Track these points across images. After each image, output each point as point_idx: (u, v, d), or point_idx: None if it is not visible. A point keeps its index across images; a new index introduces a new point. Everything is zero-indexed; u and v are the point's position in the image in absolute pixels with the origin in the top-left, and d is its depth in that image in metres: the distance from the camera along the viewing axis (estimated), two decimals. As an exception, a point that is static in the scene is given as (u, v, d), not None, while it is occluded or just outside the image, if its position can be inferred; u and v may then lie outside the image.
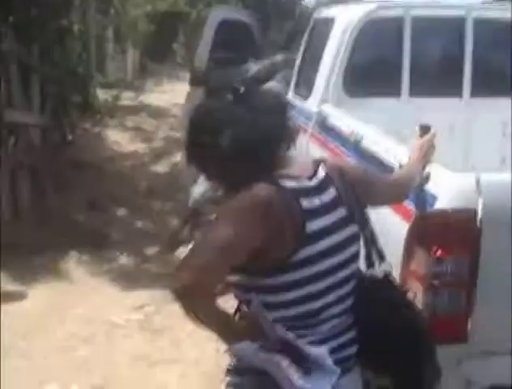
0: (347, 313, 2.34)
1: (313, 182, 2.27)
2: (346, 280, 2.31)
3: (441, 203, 2.99)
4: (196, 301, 2.11)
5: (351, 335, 2.36)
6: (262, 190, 2.13)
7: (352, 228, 2.32)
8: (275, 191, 2.14)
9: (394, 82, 5.43)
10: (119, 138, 12.58)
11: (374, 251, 2.49)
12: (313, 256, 2.18)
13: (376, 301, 2.39)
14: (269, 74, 6.53)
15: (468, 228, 2.97)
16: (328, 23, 5.80)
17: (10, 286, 6.06)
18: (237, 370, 2.33)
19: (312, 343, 2.19)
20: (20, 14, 7.25)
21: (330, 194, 2.28)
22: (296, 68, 6.42)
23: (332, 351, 2.22)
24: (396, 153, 3.56)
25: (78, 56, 12.70)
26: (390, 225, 3.39)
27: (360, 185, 2.41)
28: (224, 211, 2.18)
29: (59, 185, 7.76)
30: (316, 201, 2.22)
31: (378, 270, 2.46)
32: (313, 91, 5.57)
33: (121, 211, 8.09)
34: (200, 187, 5.87)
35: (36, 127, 7.37)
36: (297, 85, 6.28)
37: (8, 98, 6.94)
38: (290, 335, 2.16)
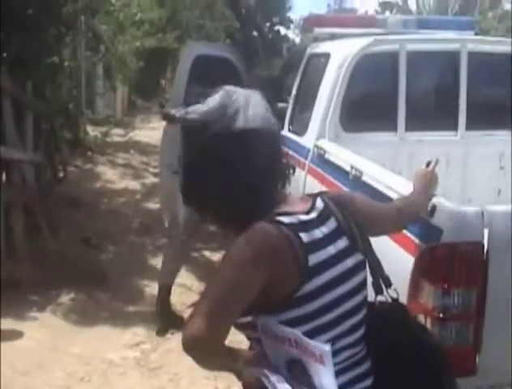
0: (362, 342, 2.31)
1: (312, 215, 2.27)
2: (357, 309, 2.28)
3: (448, 236, 3.01)
4: (207, 352, 2.11)
5: (366, 366, 2.32)
6: (262, 230, 2.13)
7: (357, 257, 2.31)
8: (275, 229, 2.14)
9: (390, 116, 5.48)
10: (110, 175, 12.60)
11: (380, 278, 2.44)
12: (320, 288, 2.17)
13: (390, 324, 2.39)
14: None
15: (475, 260, 3.00)
16: (323, 58, 5.85)
17: (5, 324, 6.01)
18: None
19: (325, 375, 2.11)
20: (14, 51, 7.27)
21: (330, 224, 2.28)
22: (290, 103, 6.47)
23: (349, 383, 2.21)
24: (397, 188, 3.58)
25: (69, 93, 12.79)
26: (394, 258, 3.41)
27: (361, 214, 2.41)
28: (229, 258, 2.14)
29: (53, 223, 7.75)
30: (317, 233, 2.22)
31: (387, 296, 2.42)
32: (310, 126, 5.60)
33: (116, 248, 8.08)
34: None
35: (29, 164, 7.37)
36: (292, 120, 6.32)
37: (2, 135, 6.93)
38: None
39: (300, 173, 5.50)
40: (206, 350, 2.10)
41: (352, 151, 4.68)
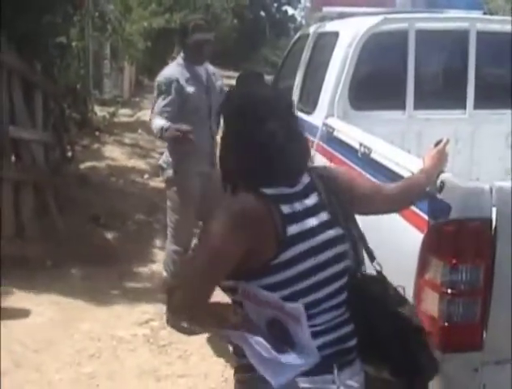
0: (343, 307, 2.48)
1: (296, 189, 2.43)
2: (336, 277, 2.45)
3: (456, 213, 3.03)
4: (193, 317, 2.42)
5: (349, 328, 2.50)
6: (242, 201, 2.34)
7: (337, 231, 2.46)
8: (256, 200, 2.32)
9: (399, 95, 5.51)
10: (117, 155, 12.61)
11: (365, 252, 2.63)
12: (297, 257, 2.34)
13: (370, 297, 2.52)
14: None
15: (483, 236, 3.02)
16: (332, 37, 5.86)
17: (14, 302, 6.07)
18: (244, 367, 2.46)
19: (314, 332, 2.37)
20: (22, 31, 7.28)
21: (313, 198, 2.45)
22: (298, 82, 6.49)
23: (334, 342, 2.42)
24: (406, 165, 3.60)
25: (77, 73, 12.79)
26: (403, 234, 3.45)
27: (345, 191, 2.55)
28: (210, 227, 2.32)
29: (61, 202, 7.79)
30: (298, 205, 2.39)
31: (370, 268, 2.61)
32: (318, 105, 5.63)
33: (125, 227, 8.13)
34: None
35: (38, 143, 7.40)
36: (301, 99, 6.34)
37: (12, 114, 6.96)
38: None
39: (308, 151, 5.52)
40: (193, 315, 2.37)
41: (361, 129, 4.70)
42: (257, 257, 2.31)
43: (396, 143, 4.45)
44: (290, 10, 58.46)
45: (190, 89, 5.47)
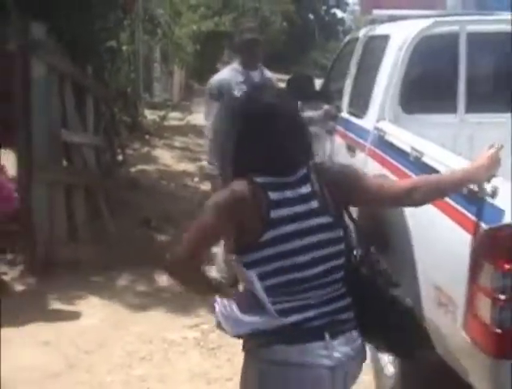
0: (336, 284, 2.76)
1: (291, 179, 2.72)
2: (324, 259, 2.71)
3: (509, 217, 3.01)
4: (184, 274, 2.74)
5: (343, 303, 2.78)
6: (237, 187, 2.68)
7: (325, 219, 2.72)
8: (246, 186, 2.66)
9: (450, 98, 5.45)
10: (167, 158, 12.71)
11: (358, 239, 2.91)
12: (279, 237, 2.65)
13: (360, 279, 2.83)
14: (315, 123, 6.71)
15: (537, 241, 3.00)
16: (382, 40, 5.84)
17: (67, 305, 6.16)
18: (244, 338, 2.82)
19: (305, 305, 2.68)
20: (74, 36, 7.39)
21: (305, 188, 2.72)
22: (348, 86, 6.48)
23: (324, 315, 2.69)
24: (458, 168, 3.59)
25: (127, 77, 12.90)
26: (451, 236, 3.45)
27: (343, 185, 2.79)
28: (209, 205, 2.70)
29: (113, 205, 7.87)
30: (288, 193, 2.69)
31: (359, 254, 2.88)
32: (369, 108, 5.61)
33: (175, 230, 8.18)
34: None
35: (90, 147, 7.49)
36: (351, 103, 6.33)
37: (63, 118, 7.06)
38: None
39: (360, 155, 5.52)
40: (183, 273, 2.73)
41: (412, 132, 4.69)
42: (246, 234, 2.65)
43: (447, 146, 4.42)
44: (339, 13, 58.40)
45: (240, 93, 5.52)
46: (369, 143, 5.35)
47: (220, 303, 2.75)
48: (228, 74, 5.91)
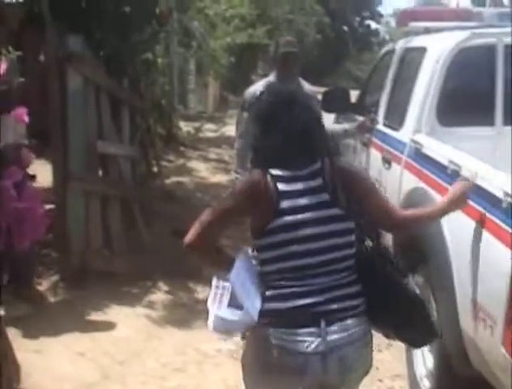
0: (343, 273, 2.95)
1: (304, 172, 2.95)
2: (331, 249, 2.92)
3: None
4: (200, 253, 3.08)
5: (355, 289, 2.98)
6: (254, 177, 2.96)
7: (334, 211, 2.93)
8: (260, 177, 2.92)
9: (488, 110, 5.39)
10: (202, 170, 12.73)
11: (369, 232, 3.12)
12: (287, 225, 2.89)
13: (372, 269, 3.02)
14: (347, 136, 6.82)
15: None
16: (419, 52, 5.81)
17: (101, 315, 6.17)
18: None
19: (302, 292, 2.88)
20: (110, 49, 7.43)
21: (317, 181, 2.94)
22: (385, 98, 6.45)
23: (339, 298, 2.91)
24: (496, 183, 3.55)
25: (162, 88, 12.96)
26: (491, 251, 3.40)
27: (355, 189, 3.00)
28: (230, 191, 3.01)
29: (148, 215, 7.89)
30: (299, 185, 2.92)
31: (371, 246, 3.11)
32: (406, 121, 5.57)
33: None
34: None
35: (125, 158, 7.51)
36: (388, 115, 6.29)
37: (100, 130, 7.09)
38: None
39: (396, 168, 5.48)
40: (199, 251, 3.06)
41: (449, 145, 4.64)
42: (256, 221, 2.93)
43: (485, 159, 4.37)
44: (373, 25, 58.29)
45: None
46: (405, 155, 5.31)
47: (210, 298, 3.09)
48: (262, 86, 5.97)
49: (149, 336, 5.82)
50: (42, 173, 7.03)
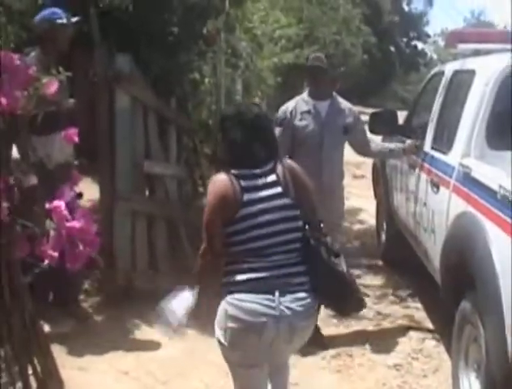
0: (292, 253, 3.64)
1: (259, 171, 3.68)
2: (283, 232, 3.64)
3: None
4: (205, 263, 3.72)
5: (298, 269, 3.65)
6: (217, 178, 3.67)
7: (286, 201, 3.68)
8: (226, 177, 3.63)
9: (538, 134, 5.32)
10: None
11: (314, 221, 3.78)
12: (250, 214, 3.60)
13: (312, 251, 3.67)
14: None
15: None
16: (468, 74, 5.76)
17: (146, 335, 6.18)
18: None
19: (262, 267, 3.57)
20: (158, 69, 7.47)
21: (271, 178, 3.68)
22: (433, 121, 6.40)
23: (277, 276, 3.57)
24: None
25: (209, 108, 12.96)
26: None
27: (298, 185, 3.75)
28: (208, 192, 3.70)
29: (193, 236, 7.89)
30: (257, 181, 3.65)
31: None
32: (455, 144, 5.52)
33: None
34: None
35: (172, 178, 7.54)
36: (436, 138, 6.25)
37: (147, 149, 7.13)
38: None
39: (444, 192, 5.42)
40: (210, 259, 3.68)
41: (499, 169, 4.58)
42: (226, 212, 3.59)
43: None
44: (419, 45, 58.09)
45: (300, 123, 5.97)
46: (453, 179, 5.25)
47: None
48: (295, 103, 6.12)
49: (193, 356, 5.82)
50: (87, 191, 7.07)
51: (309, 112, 6.03)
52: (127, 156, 6.93)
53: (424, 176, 6.22)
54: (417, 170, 6.52)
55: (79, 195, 5.53)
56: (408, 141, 6.75)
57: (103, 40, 6.61)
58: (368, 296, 7.58)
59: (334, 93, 6.19)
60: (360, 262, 8.91)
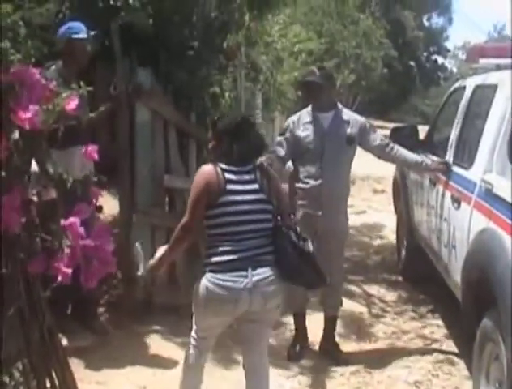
0: (263, 238, 4.32)
1: (242, 168, 4.35)
2: (257, 221, 4.32)
3: None
4: (189, 232, 4.53)
5: (267, 250, 4.33)
6: (204, 168, 4.35)
7: (261, 196, 4.35)
8: (212, 168, 4.31)
9: (562, 150, 5.27)
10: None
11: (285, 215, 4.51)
12: (229, 201, 4.26)
13: (281, 236, 4.37)
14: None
15: None
16: (490, 89, 5.73)
17: (163, 351, 6.16)
18: None
19: (237, 250, 4.24)
20: (178, 83, 7.49)
21: (249, 175, 4.37)
22: (454, 136, 6.37)
23: (249, 257, 4.25)
24: None
25: (229, 123, 12.97)
26: None
27: (272, 187, 4.44)
28: (195, 179, 4.37)
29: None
30: (238, 176, 4.31)
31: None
32: (476, 160, 5.49)
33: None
34: None
35: (192, 192, 7.53)
36: (457, 153, 6.22)
37: (167, 163, 7.14)
38: None
39: (465, 208, 5.39)
40: (187, 236, 4.55)
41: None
42: (210, 198, 4.26)
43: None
44: (440, 59, 58.05)
45: (302, 133, 6.16)
46: (475, 195, 5.22)
47: None
48: (299, 115, 6.31)
49: (210, 374, 5.77)
50: (107, 205, 7.08)
51: (310, 122, 6.17)
52: (147, 170, 6.93)
53: (445, 191, 6.18)
54: (438, 185, 6.48)
55: (99, 208, 5.54)
56: (434, 158, 6.73)
57: (124, 54, 6.63)
58: (387, 312, 7.56)
59: (338, 105, 6.25)
60: (380, 278, 8.90)
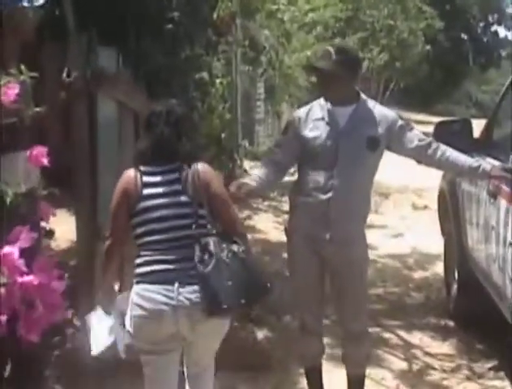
0: (187, 249, 4.64)
1: (163, 168, 4.77)
2: (179, 228, 4.71)
3: None
4: (114, 247, 4.91)
5: (192, 263, 4.60)
6: (127, 172, 4.82)
7: (183, 198, 4.73)
8: (132, 172, 4.78)
9: None
10: (270, 226, 12.73)
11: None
12: (149, 207, 4.71)
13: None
14: None
15: None
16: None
17: None
18: None
19: (163, 259, 4.67)
20: (152, 67, 7.50)
21: (173, 176, 4.75)
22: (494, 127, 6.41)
23: (174, 269, 4.64)
24: None
25: (221, 118, 12.87)
26: None
27: (207, 189, 4.80)
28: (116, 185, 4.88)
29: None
30: (159, 178, 4.75)
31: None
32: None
33: (280, 323, 8.18)
34: None
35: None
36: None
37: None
38: None
39: (502, 202, 5.42)
40: (113, 251, 4.94)
41: None
42: (130, 205, 4.74)
43: None
44: (501, 31, 57.93)
45: (310, 133, 5.84)
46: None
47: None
48: (308, 109, 6.01)
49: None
50: (63, 227, 7.06)
51: (322, 119, 5.88)
52: (112, 179, 6.90)
53: (509, 207, 6.17)
54: (500, 199, 6.47)
55: (50, 233, 5.52)
56: (494, 162, 6.69)
57: (80, 28, 6.60)
58: (434, 368, 7.54)
59: (362, 96, 6.01)
60: (424, 322, 8.86)
